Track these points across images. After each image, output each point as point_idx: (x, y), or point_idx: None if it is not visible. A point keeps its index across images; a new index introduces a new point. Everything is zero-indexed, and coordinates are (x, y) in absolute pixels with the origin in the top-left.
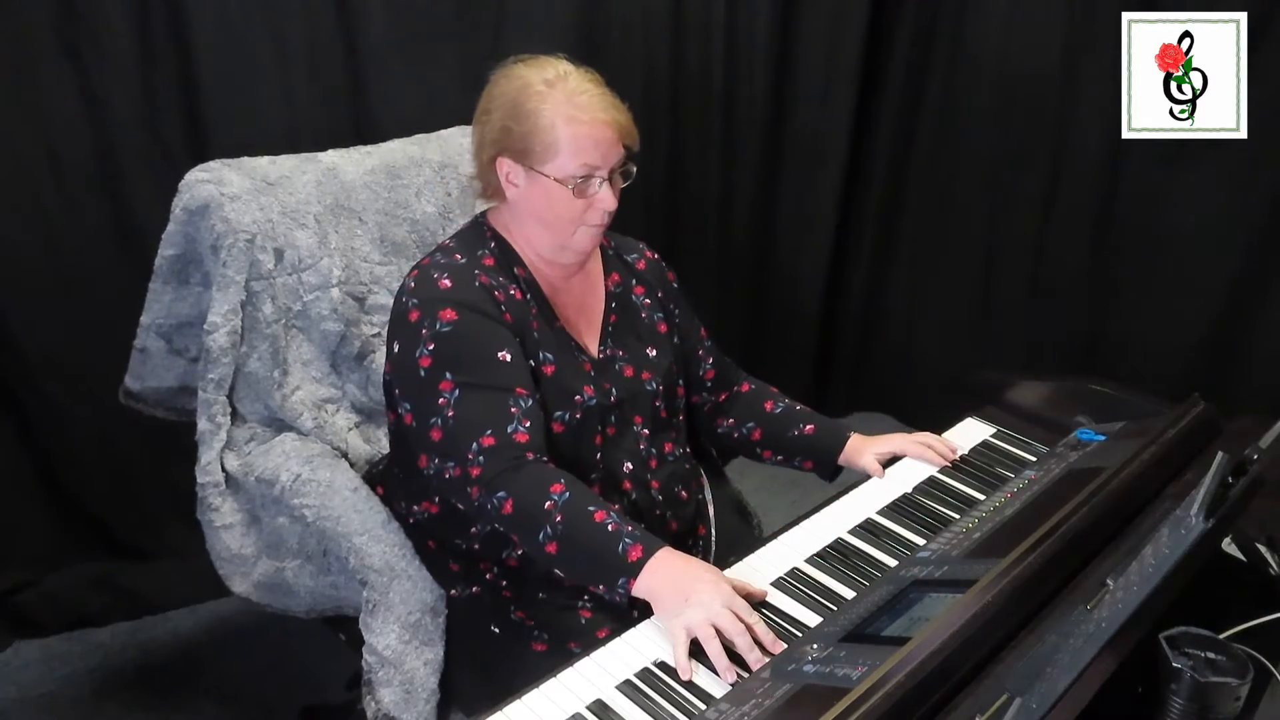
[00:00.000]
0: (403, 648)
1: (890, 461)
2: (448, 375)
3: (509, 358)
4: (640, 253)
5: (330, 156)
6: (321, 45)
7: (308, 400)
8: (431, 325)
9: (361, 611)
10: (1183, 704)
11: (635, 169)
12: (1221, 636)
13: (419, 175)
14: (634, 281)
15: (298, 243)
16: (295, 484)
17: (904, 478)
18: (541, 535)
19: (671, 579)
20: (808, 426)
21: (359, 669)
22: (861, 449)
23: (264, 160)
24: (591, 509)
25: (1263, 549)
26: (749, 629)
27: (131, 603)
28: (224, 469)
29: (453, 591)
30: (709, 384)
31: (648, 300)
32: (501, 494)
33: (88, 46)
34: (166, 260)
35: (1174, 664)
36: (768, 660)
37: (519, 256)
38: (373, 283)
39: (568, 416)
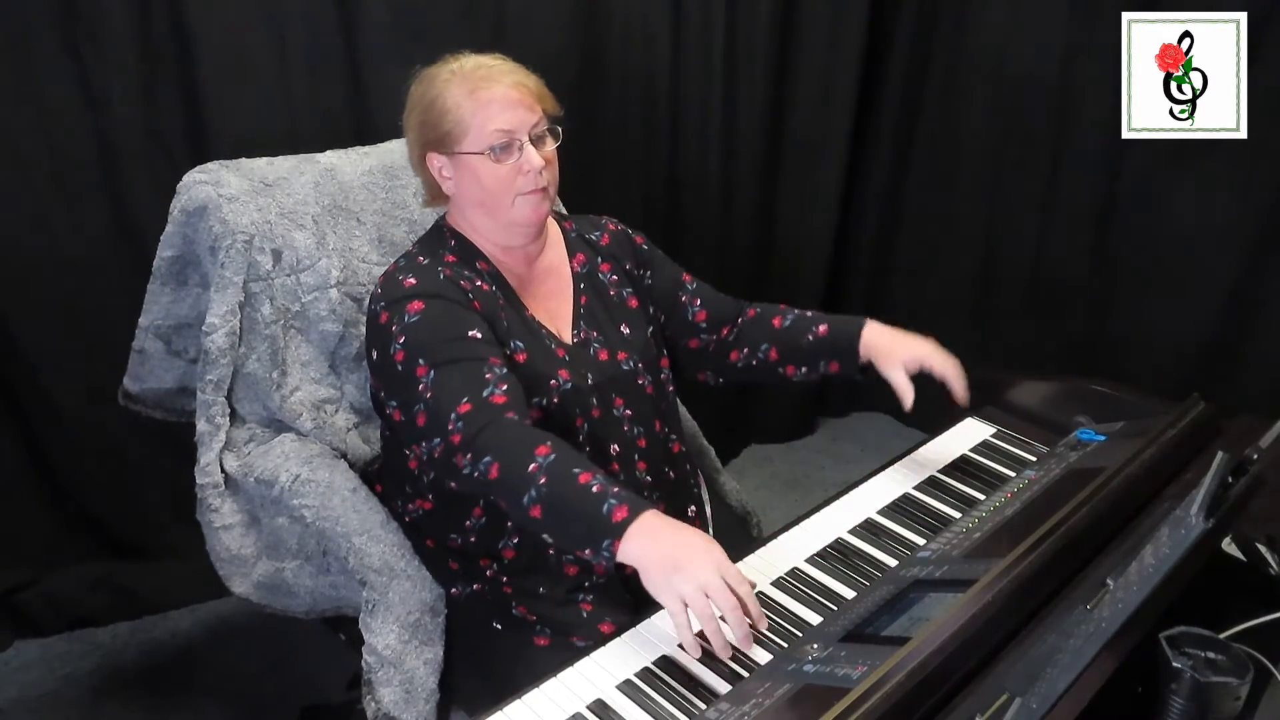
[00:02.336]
0: (402, 647)
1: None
2: (421, 361)
3: (479, 335)
4: (603, 229)
5: (328, 157)
6: (321, 45)
7: (307, 401)
8: (400, 320)
9: (361, 611)
10: (1183, 704)
11: (561, 130)
12: (1221, 636)
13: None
14: (599, 259)
15: (296, 244)
16: (294, 485)
17: (904, 478)
18: (526, 499)
19: (659, 544)
20: (821, 328)
21: (359, 669)
22: (891, 353)
23: (261, 161)
24: (577, 471)
25: (1263, 549)
26: (741, 601)
27: (131, 603)
28: (223, 470)
29: (453, 590)
30: (704, 325)
31: (615, 276)
32: (487, 459)
33: (88, 46)
34: (165, 261)
35: (1174, 664)
36: (752, 636)
37: (480, 252)
38: (371, 283)
39: (545, 402)
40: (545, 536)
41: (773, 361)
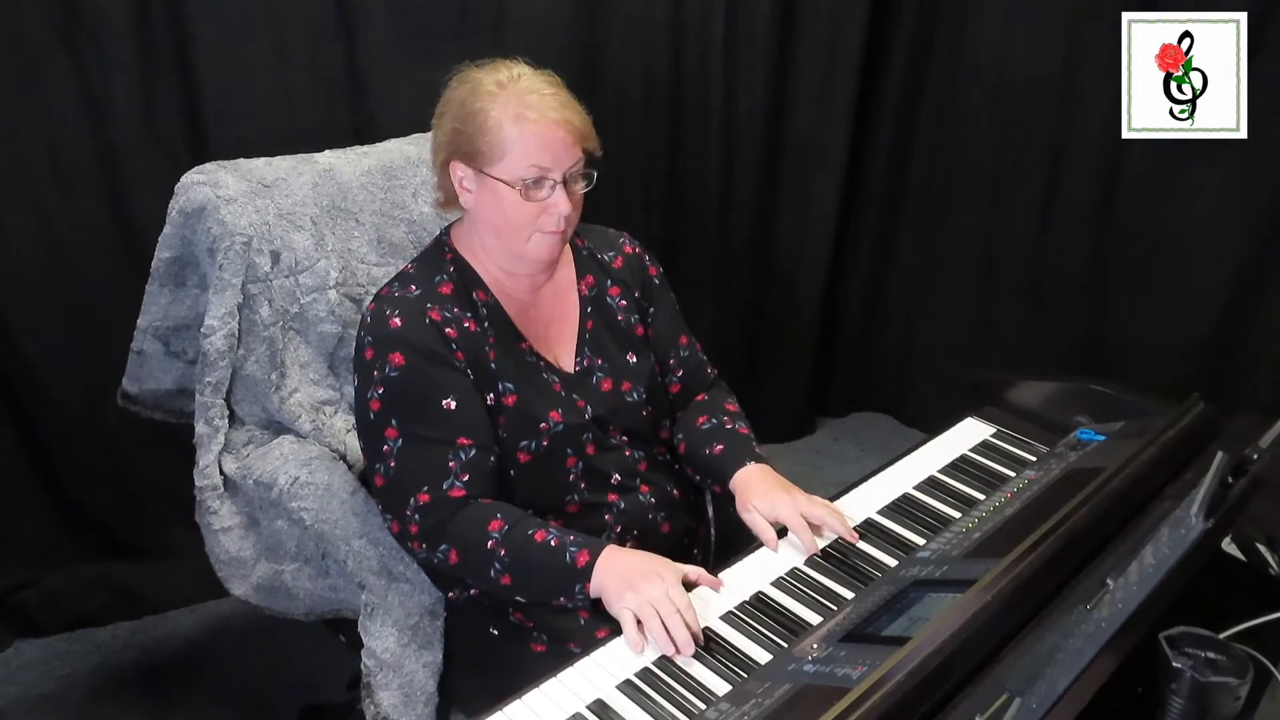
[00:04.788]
0: (401, 650)
1: (781, 531)
2: (393, 422)
3: (454, 405)
4: (618, 249)
5: (327, 157)
6: (321, 45)
7: (305, 402)
8: (382, 368)
9: (360, 615)
10: (1183, 704)
11: (596, 174)
12: (1221, 636)
13: (415, 175)
14: (609, 282)
15: (294, 245)
16: (293, 487)
17: (904, 478)
18: (492, 572)
19: (618, 572)
20: (717, 446)
21: (359, 669)
22: (748, 498)
23: (260, 162)
24: (531, 532)
25: (1263, 549)
26: (679, 613)
27: (131, 603)
28: (222, 472)
29: (451, 594)
30: (670, 398)
31: (623, 302)
32: (444, 546)
33: (88, 46)
34: (163, 263)
35: (1174, 664)
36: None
37: (479, 279)
38: (370, 284)
39: (533, 445)
40: (517, 598)
41: (682, 455)
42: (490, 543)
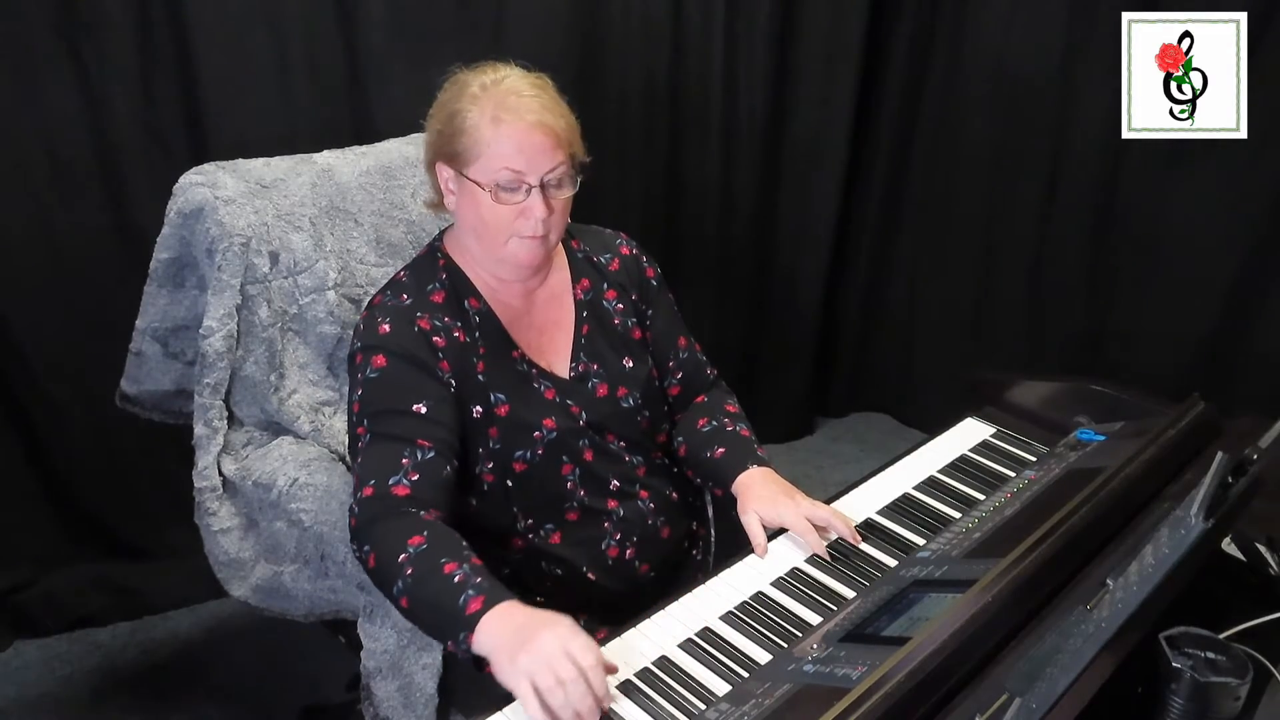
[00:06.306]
0: (400, 653)
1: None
2: (365, 422)
3: (424, 410)
4: (614, 251)
5: (325, 158)
6: (321, 45)
7: (305, 403)
8: (365, 371)
9: (360, 616)
10: (1183, 704)
11: (580, 179)
12: (1221, 636)
13: (414, 176)
14: (605, 285)
15: (293, 245)
16: (292, 488)
17: (904, 478)
18: (395, 589)
19: (508, 632)
20: (718, 450)
21: (359, 670)
22: (748, 501)
23: (259, 162)
24: (444, 560)
25: (1263, 549)
26: (584, 672)
27: (131, 603)
28: (221, 473)
29: None
30: (670, 400)
31: (620, 305)
32: (367, 547)
33: (88, 46)
34: (161, 264)
35: (1174, 664)
36: (598, 710)
37: (472, 285)
38: (369, 284)
39: (529, 454)
40: (415, 625)
41: (682, 458)
42: (403, 557)
